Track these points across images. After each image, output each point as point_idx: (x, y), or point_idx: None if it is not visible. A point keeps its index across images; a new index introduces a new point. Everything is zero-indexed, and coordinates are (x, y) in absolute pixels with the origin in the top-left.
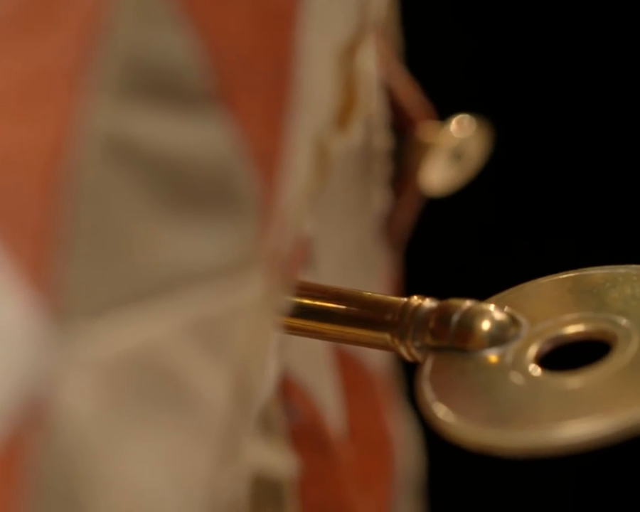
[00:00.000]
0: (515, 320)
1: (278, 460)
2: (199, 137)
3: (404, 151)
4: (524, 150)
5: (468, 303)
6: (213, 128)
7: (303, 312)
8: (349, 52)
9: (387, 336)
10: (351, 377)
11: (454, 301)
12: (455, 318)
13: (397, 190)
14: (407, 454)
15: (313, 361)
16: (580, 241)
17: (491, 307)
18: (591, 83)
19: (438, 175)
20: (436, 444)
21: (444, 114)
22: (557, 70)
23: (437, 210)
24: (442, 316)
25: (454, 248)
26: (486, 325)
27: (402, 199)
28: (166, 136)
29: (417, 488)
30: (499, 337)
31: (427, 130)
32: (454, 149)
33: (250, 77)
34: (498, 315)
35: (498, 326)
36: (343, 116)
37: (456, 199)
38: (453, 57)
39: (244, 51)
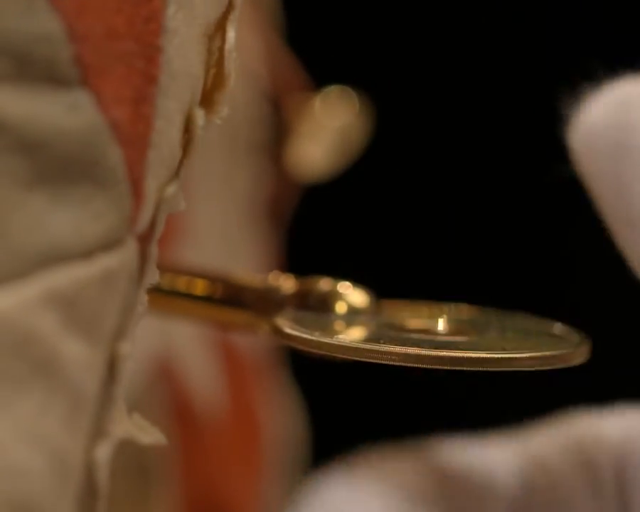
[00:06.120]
0: (371, 304)
1: (150, 438)
2: (67, 116)
3: (280, 130)
4: (405, 130)
5: (326, 283)
6: (81, 106)
7: (168, 291)
8: (217, 30)
9: (249, 315)
10: (226, 359)
11: (313, 280)
12: (313, 297)
13: (274, 170)
14: (285, 432)
15: (189, 344)
16: (459, 225)
17: (349, 288)
18: (474, 70)
19: (318, 156)
20: (319, 423)
21: (323, 88)
22: (442, 51)
23: (320, 191)
24: (301, 294)
25: (335, 228)
26: (342, 306)
27: (279, 179)
28: (34, 115)
29: (296, 464)
30: (353, 319)
31: (304, 108)
32: (335, 130)
33: (116, 56)
34: (355, 297)
35: (353, 307)
36: (212, 94)
37: (338, 181)
38: (334, 32)
39: (110, 29)
